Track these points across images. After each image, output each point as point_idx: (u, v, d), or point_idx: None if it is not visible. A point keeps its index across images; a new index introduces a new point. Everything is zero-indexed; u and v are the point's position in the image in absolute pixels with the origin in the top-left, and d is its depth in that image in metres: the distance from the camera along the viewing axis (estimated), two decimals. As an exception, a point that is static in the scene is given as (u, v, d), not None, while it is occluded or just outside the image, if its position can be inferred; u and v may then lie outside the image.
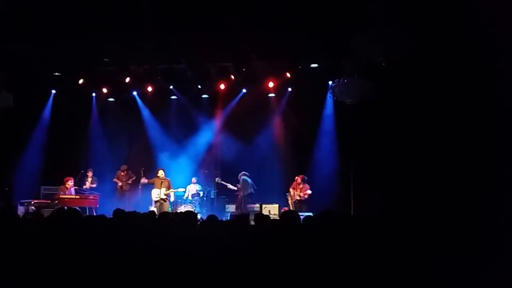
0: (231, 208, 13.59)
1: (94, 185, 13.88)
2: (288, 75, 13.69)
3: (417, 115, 11.40)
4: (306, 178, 13.10)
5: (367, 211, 11.03)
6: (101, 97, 15.35)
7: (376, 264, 3.99)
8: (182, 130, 14.97)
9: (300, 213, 10.91)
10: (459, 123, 10.81)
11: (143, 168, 14.12)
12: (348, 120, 12.83)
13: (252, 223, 6.45)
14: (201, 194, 13.94)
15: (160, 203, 13.10)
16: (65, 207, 10.63)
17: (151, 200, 13.26)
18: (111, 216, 6.09)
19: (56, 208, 10.99)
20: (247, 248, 4.31)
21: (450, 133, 10.94)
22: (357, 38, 10.47)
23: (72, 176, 13.23)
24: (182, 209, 12.77)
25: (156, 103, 15.21)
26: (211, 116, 15.04)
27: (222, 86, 14.37)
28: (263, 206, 12.72)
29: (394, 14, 10.04)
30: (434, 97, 11.11)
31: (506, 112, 9.81)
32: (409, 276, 3.97)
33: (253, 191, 13.57)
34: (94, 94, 15.40)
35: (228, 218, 11.42)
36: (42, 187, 13.54)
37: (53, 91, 15.10)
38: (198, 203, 13.74)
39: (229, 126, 14.73)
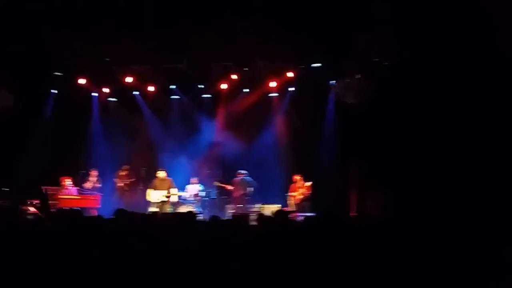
0: (232, 208, 13.56)
1: (99, 185, 13.84)
2: (290, 75, 13.69)
3: (419, 115, 11.37)
4: (301, 178, 13.05)
5: (369, 212, 11.02)
6: (102, 97, 15.34)
7: (378, 264, 3.97)
8: (184, 130, 14.95)
9: (302, 214, 10.97)
10: (461, 123, 10.77)
11: (144, 168, 14.10)
12: (350, 120, 12.81)
13: (254, 223, 6.42)
14: (202, 194, 13.90)
15: (161, 204, 13.06)
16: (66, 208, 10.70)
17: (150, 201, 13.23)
18: (112, 216, 6.06)
19: (56, 208, 10.99)
20: (248, 249, 4.29)
21: (451, 133, 10.91)
22: (359, 38, 10.47)
23: (70, 176, 13.19)
24: (183, 209, 12.74)
25: (158, 103, 15.20)
26: (212, 116, 15.02)
27: (224, 86, 14.38)
28: (265, 206, 12.70)
29: (395, 14, 10.03)
30: (435, 97, 11.08)
31: (507, 111, 9.79)
32: (412, 276, 3.94)
33: (247, 191, 13.54)
34: (95, 94, 15.36)
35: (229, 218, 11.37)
36: (43, 187, 13.48)
37: (54, 91, 15.05)
38: (199, 204, 13.71)
39: (230, 126, 14.70)
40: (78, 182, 13.50)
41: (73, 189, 13.11)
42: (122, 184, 14.13)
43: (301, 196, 12.88)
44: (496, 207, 8.82)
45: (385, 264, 4.02)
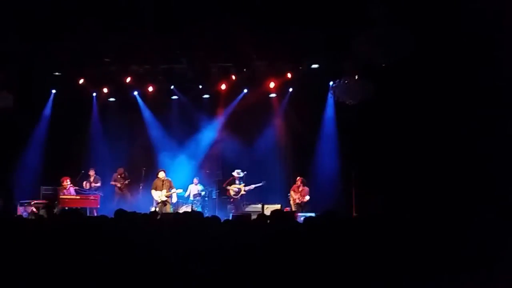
0: (233, 208, 13.57)
1: (98, 184, 13.83)
2: (289, 75, 13.72)
3: (418, 116, 11.41)
4: (305, 180, 13.06)
5: (369, 212, 11.02)
6: (102, 97, 15.31)
7: (378, 265, 3.99)
8: (183, 130, 14.95)
9: (301, 214, 10.98)
10: (460, 123, 10.81)
11: (144, 168, 14.11)
12: (349, 120, 12.83)
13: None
14: (203, 194, 13.91)
15: (162, 204, 13.07)
16: (66, 208, 10.71)
17: (152, 200, 13.23)
18: (112, 217, 6.07)
19: (56, 209, 11.01)
20: (248, 249, 4.30)
21: (451, 133, 10.95)
22: (358, 38, 10.48)
23: (70, 176, 13.19)
24: (184, 209, 12.76)
25: (157, 103, 15.19)
26: (212, 116, 15.02)
27: (223, 86, 14.38)
28: (265, 206, 12.71)
29: (394, 14, 10.05)
30: (434, 97, 11.12)
31: (506, 112, 9.82)
32: (411, 276, 3.96)
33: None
34: (94, 94, 15.35)
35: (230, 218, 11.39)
36: (42, 188, 13.49)
37: (54, 91, 15.05)
38: (200, 203, 13.72)
39: (230, 126, 14.71)
40: (79, 182, 13.50)
41: (72, 189, 13.11)
42: (119, 186, 14.13)
43: (298, 201, 12.90)
44: (496, 206, 8.86)
45: (386, 264, 4.04)
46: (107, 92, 15.06)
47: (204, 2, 10.56)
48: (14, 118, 13.47)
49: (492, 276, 3.96)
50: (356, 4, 10.25)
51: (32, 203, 12.38)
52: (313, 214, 9.43)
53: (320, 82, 13.46)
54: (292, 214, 5.88)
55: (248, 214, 9.68)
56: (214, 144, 14.85)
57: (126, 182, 14.16)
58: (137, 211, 7.69)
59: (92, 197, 13.12)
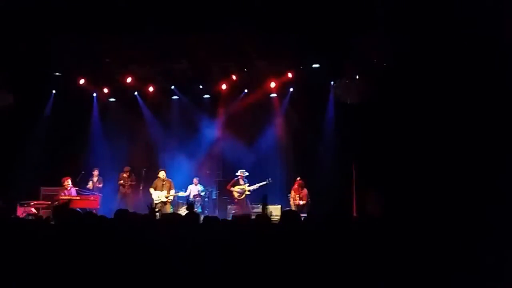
0: (233, 208, 13.56)
1: (100, 185, 13.84)
2: (290, 75, 13.72)
3: (418, 116, 11.39)
4: (303, 183, 13.02)
5: (370, 212, 11.03)
6: (102, 97, 15.34)
7: (378, 264, 3.98)
8: (184, 130, 14.97)
9: (302, 214, 10.92)
10: (460, 123, 10.79)
11: (144, 169, 14.11)
12: (349, 120, 12.81)
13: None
14: (203, 195, 13.91)
15: (161, 204, 13.05)
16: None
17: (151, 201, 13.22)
18: (112, 217, 6.06)
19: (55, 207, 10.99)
20: (249, 249, 4.29)
21: (451, 133, 10.93)
22: (358, 39, 10.49)
23: (70, 176, 13.19)
24: (183, 210, 12.74)
25: (158, 103, 15.23)
26: (212, 116, 15.04)
27: (223, 86, 14.41)
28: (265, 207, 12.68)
29: (395, 15, 10.05)
30: (435, 97, 11.10)
31: (506, 112, 9.81)
32: (412, 276, 3.94)
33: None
34: (95, 94, 15.37)
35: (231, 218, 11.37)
36: (42, 188, 13.49)
37: (54, 91, 15.06)
38: (200, 204, 13.71)
39: (231, 126, 14.73)
40: (79, 182, 13.50)
41: (73, 190, 13.10)
42: (124, 186, 14.13)
43: (296, 203, 12.87)
44: (496, 207, 8.84)
45: (387, 264, 4.03)
46: (107, 92, 15.11)
47: (204, 2, 10.55)
48: (14, 118, 13.49)
49: (492, 277, 3.95)
50: (357, 4, 10.24)
51: (32, 203, 12.37)
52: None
53: (321, 82, 13.46)
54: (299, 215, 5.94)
55: (248, 215, 9.66)
56: (214, 144, 14.88)
57: (131, 184, 14.15)
58: (137, 212, 7.68)
59: (92, 198, 13.11)
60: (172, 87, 14.98)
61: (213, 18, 10.84)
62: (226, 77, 14.15)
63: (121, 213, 6.07)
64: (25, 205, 12.40)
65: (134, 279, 3.95)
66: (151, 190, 13.26)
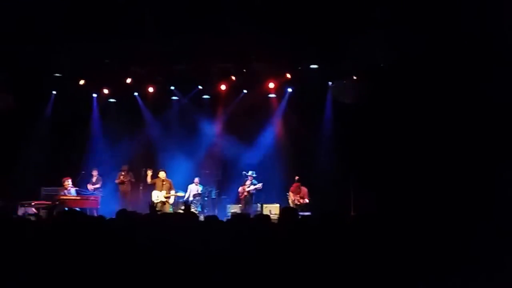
0: (233, 208, 13.61)
1: (97, 186, 13.91)
2: (288, 76, 13.74)
3: (416, 116, 11.44)
4: (299, 184, 13.07)
5: (367, 212, 11.06)
6: (102, 98, 15.36)
7: (376, 264, 4.02)
8: (183, 131, 14.97)
9: (300, 214, 10.97)
10: (458, 124, 10.84)
11: (144, 169, 14.14)
12: (347, 120, 12.86)
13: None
14: (202, 194, 13.95)
15: (161, 204, 13.11)
16: (66, 208, 10.74)
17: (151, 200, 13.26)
18: (113, 217, 6.10)
19: (56, 209, 11.03)
20: (249, 249, 4.33)
21: (448, 134, 10.98)
22: (356, 39, 10.52)
23: (71, 176, 13.23)
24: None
25: (157, 104, 15.23)
26: (212, 116, 15.06)
27: (223, 87, 14.41)
28: (264, 206, 12.76)
29: (392, 16, 10.09)
30: (432, 98, 11.15)
31: (504, 113, 9.86)
32: (409, 276, 4.00)
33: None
34: (95, 95, 15.39)
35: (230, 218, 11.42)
36: (43, 188, 13.53)
37: (54, 92, 15.09)
38: (200, 203, 13.76)
39: (230, 127, 14.75)
40: (80, 182, 13.54)
41: (73, 190, 13.14)
42: (124, 183, 14.19)
43: (297, 203, 12.91)
44: (494, 207, 8.90)
45: (384, 263, 4.07)
46: (107, 93, 15.10)
47: (203, 3, 10.60)
48: (15, 119, 13.52)
49: (489, 274, 3.99)
50: (354, 5, 10.28)
51: (33, 203, 12.40)
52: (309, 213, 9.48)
53: (319, 83, 13.50)
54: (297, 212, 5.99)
55: (248, 214, 9.72)
56: (213, 144, 14.89)
57: (131, 180, 14.20)
58: (138, 211, 7.73)
59: (92, 198, 13.15)
60: (172, 87, 15.00)
61: (212, 19, 10.89)
62: (225, 78, 14.17)
63: (122, 213, 6.14)
64: (26, 205, 12.44)
65: (135, 279, 4.00)
66: (153, 191, 13.35)
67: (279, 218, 5.82)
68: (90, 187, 13.72)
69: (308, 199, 12.86)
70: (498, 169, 9.44)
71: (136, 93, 15.25)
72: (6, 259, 4.17)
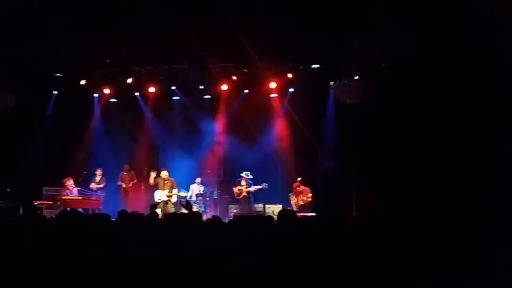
0: (235, 208, 13.60)
1: (101, 185, 13.90)
2: (290, 75, 13.73)
3: (418, 116, 11.42)
4: (300, 184, 13.05)
5: (370, 212, 11.04)
6: (103, 98, 15.35)
7: (378, 265, 4.00)
8: (185, 131, 14.96)
9: (303, 214, 10.98)
10: (460, 124, 10.82)
11: (146, 169, 14.14)
12: (349, 120, 12.83)
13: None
14: (204, 194, 13.94)
15: (163, 204, 13.09)
16: (68, 209, 10.73)
17: (154, 201, 13.25)
18: (115, 217, 6.10)
19: (58, 209, 11.04)
20: (250, 250, 4.32)
21: (450, 133, 10.96)
22: (358, 39, 10.50)
23: (72, 176, 13.22)
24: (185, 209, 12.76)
25: (159, 104, 15.20)
26: (213, 116, 15.03)
27: (224, 87, 14.39)
28: (267, 206, 12.75)
29: (394, 15, 10.07)
30: (434, 97, 11.13)
31: (505, 112, 9.84)
32: (411, 276, 3.98)
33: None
34: (96, 95, 15.39)
35: (232, 218, 11.43)
36: (44, 188, 13.53)
37: (55, 92, 15.10)
38: (202, 204, 13.75)
39: (231, 127, 14.74)
40: (81, 182, 13.54)
41: (75, 190, 13.14)
42: (125, 186, 14.18)
43: (302, 203, 12.88)
44: (492, 206, 8.89)
45: (386, 264, 4.06)
46: (108, 93, 15.10)
47: (205, 2, 10.58)
48: (16, 119, 13.51)
49: (491, 275, 3.98)
50: (356, 4, 10.26)
51: (35, 203, 12.39)
52: (313, 214, 9.46)
53: (321, 82, 13.48)
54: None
55: (250, 214, 9.73)
56: (215, 144, 14.88)
57: (131, 183, 14.20)
58: (140, 211, 7.73)
59: (94, 198, 13.15)
60: (173, 87, 15.00)
61: (213, 18, 10.88)
62: (226, 78, 14.17)
63: (124, 214, 6.14)
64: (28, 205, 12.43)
65: (136, 279, 3.99)
66: (151, 181, 13.34)
67: (277, 221, 5.80)
68: (93, 186, 13.73)
69: (311, 198, 12.81)
70: (502, 169, 9.42)
71: (137, 93, 15.24)
72: (8, 259, 4.16)
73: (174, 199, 13.44)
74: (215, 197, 14.24)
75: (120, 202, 13.64)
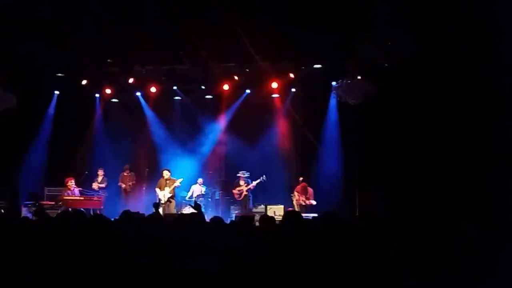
0: (236, 209, 13.59)
1: (103, 185, 13.89)
2: (292, 75, 13.72)
3: (421, 116, 11.41)
4: (306, 185, 13.01)
5: (372, 212, 11.04)
6: (105, 98, 15.36)
7: (379, 265, 4.00)
8: (186, 131, 14.97)
9: (305, 215, 10.98)
10: (462, 123, 10.81)
11: (147, 169, 14.13)
12: (351, 120, 12.83)
13: (257, 224, 6.46)
14: (205, 194, 13.93)
15: (166, 204, 13.07)
16: (70, 209, 10.74)
17: (157, 199, 13.22)
18: (116, 217, 6.09)
19: (60, 210, 11.04)
20: (251, 250, 4.31)
21: (453, 132, 10.95)
22: (360, 39, 10.48)
23: (74, 177, 13.22)
24: (187, 210, 12.77)
25: (160, 104, 15.22)
26: (215, 116, 15.02)
27: (226, 87, 14.40)
28: (268, 207, 12.73)
29: (396, 15, 10.05)
30: (436, 97, 11.13)
31: (507, 111, 9.82)
32: (412, 276, 3.97)
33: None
34: (97, 95, 15.40)
35: (233, 219, 11.43)
36: (46, 189, 13.54)
37: (57, 92, 15.10)
38: (203, 204, 13.73)
39: (233, 127, 14.74)
40: (83, 182, 13.53)
41: (76, 190, 13.14)
42: (125, 186, 14.17)
43: (303, 203, 12.88)
44: (495, 207, 8.87)
45: (388, 264, 4.05)
46: (110, 93, 15.11)
47: (207, 3, 10.58)
48: (17, 119, 13.52)
49: (493, 278, 3.97)
50: (358, 4, 10.25)
51: (36, 204, 12.40)
52: (315, 215, 9.44)
53: (323, 83, 13.46)
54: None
55: (252, 215, 9.71)
56: (217, 144, 14.87)
57: (131, 183, 14.20)
58: (140, 212, 7.72)
59: (96, 198, 13.15)
60: (175, 87, 14.99)
61: (215, 18, 10.88)
62: (228, 78, 14.17)
63: (126, 214, 6.12)
64: (29, 205, 12.45)
65: (138, 280, 3.98)
66: (157, 190, 13.30)
67: (281, 221, 5.78)
68: (95, 186, 13.73)
69: (314, 201, 12.83)
70: (506, 167, 9.41)
71: (138, 93, 15.24)
72: (9, 259, 4.15)
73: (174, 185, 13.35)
74: (217, 197, 14.23)
75: (121, 203, 13.63)
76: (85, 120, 15.25)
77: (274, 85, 14.09)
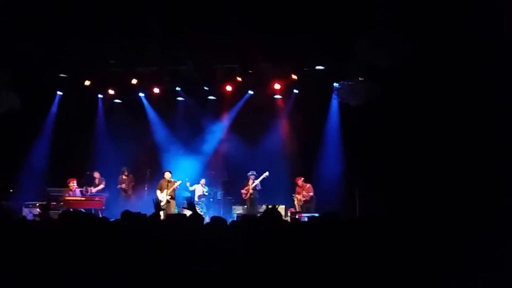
0: (238, 209, 13.60)
1: (101, 187, 13.90)
2: (294, 77, 13.72)
3: (422, 117, 11.40)
4: (302, 181, 13.12)
5: (373, 213, 11.03)
6: (107, 99, 15.39)
7: (380, 266, 3.99)
8: (189, 132, 14.98)
9: (305, 214, 11.00)
10: (463, 124, 10.80)
11: (149, 170, 14.14)
12: (353, 121, 12.83)
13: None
14: (207, 195, 13.92)
15: (167, 204, 13.08)
16: (71, 209, 10.75)
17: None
18: (117, 218, 6.09)
19: (62, 210, 11.05)
20: (252, 251, 4.31)
21: (454, 134, 10.94)
22: (362, 40, 10.50)
23: (76, 177, 13.24)
24: (188, 210, 12.75)
25: (163, 105, 15.24)
26: (217, 117, 15.05)
27: (228, 88, 14.41)
28: (269, 207, 12.70)
29: (398, 17, 10.07)
30: (438, 98, 11.11)
31: (508, 113, 9.81)
32: (414, 277, 3.97)
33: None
34: (100, 96, 15.43)
35: (235, 219, 11.43)
36: (48, 189, 13.55)
37: (60, 93, 15.12)
38: (205, 204, 13.74)
39: (235, 128, 14.76)
40: (84, 184, 13.55)
41: (77, 191, 13.15)
42: (124, 187, 14.19)
43: (303, 198, 12.92)
44: (497, 207, 8.85)
45: (389, 265, 4.05)
46: (112, 94, 15.13)
47: (209, 4, 10.60)
48: (20, 120, 13.54)
49: (496, 277, 3.96)
50: (360, 6, 10.26)
51: (37, 204, 12.41)
52: (316, 215, 9.46)
53: (325, 84, 13.47)
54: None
55: (253, 215, 9.72)
56: (219, 145, 14.89)
57: (131, 185, 14.22)
58: (142, 212, 7.70)
59: (97, 199, 13.15)
60: (177, 88, 15.01)
61: (218, 20, 10.89)
62: (230, 79, 14.18)
63: (126, 214, 6.12)
64: (31, 206, 12.47)
65: (139, 280, 3.98)
66: (158, 192, 13.31)
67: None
68: (92, 190, 13.70)
69: (312, 192, 12.82)
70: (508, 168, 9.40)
71: (141, 94, 15.26)
72: (10, 259, 4.15)
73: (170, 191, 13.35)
74: (219, 198, 14.24)
75: (122, 204, 13.62)
76: (88, 121, 15.26)
77: (277, 86, 14.11)
